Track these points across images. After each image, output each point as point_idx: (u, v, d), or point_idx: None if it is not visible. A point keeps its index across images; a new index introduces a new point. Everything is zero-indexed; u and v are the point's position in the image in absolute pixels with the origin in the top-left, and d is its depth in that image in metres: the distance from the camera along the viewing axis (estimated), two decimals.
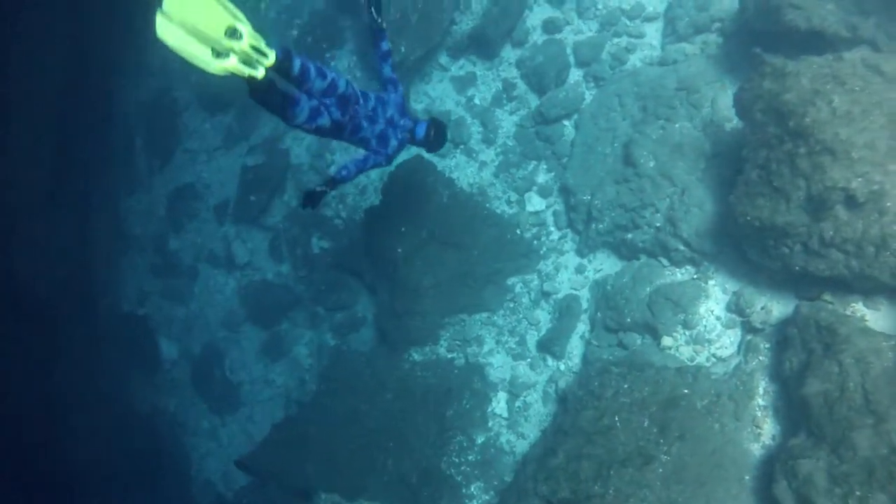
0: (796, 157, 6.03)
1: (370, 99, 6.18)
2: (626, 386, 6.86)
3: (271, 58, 5.09)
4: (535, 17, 9.48)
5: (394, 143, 6.36)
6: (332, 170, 6.26)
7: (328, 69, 5.77)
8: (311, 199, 6.04)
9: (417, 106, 9.86)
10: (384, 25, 6.26)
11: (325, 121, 5.80)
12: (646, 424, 6.55)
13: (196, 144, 11.61)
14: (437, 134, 6.77)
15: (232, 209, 10.88)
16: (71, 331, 10.71)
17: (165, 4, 4.72)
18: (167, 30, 4.76)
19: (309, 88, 5.65)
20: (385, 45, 6.32)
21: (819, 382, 5.81)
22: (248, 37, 4.93)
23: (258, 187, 10.55)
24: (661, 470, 6.26)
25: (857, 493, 5.22)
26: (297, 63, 5.45)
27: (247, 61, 4.94)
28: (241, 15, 4.96)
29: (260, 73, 5.00)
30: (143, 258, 11.58)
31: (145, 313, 11.33)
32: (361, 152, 6.32)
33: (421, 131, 6.61)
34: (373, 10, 6.12)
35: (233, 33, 4.86)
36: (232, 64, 4.88)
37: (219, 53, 4.83)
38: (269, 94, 5.46)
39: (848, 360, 5.71)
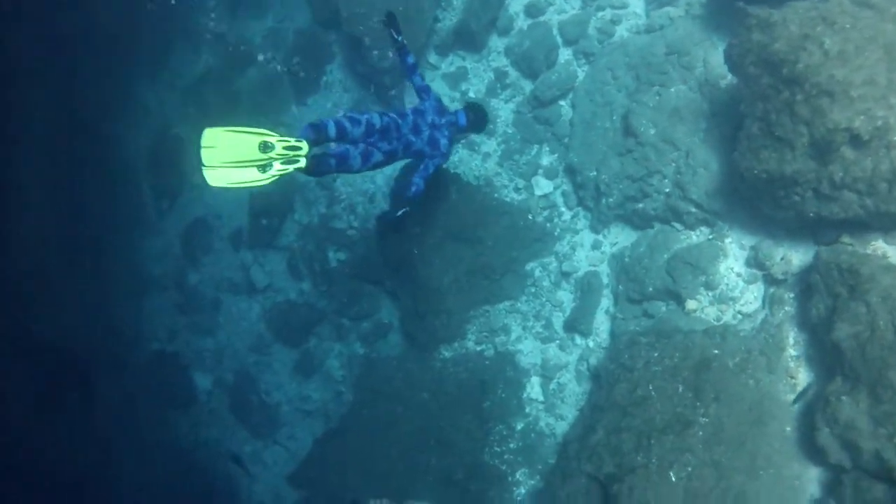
0: (794, 104, 6.01)
1: (407, 116, 6.94)
2: (655, 354, 6.88)
3: (304, 147, 5.89)
4: (517, 2, 9.51)
5: (444, 141, 7.08)
6: (411, 191, 6.85)
7: (359, 114, 6.55)
8: (398, 224, 6.96)
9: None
10: (405, 42, 7.05)
11: (378, 157, 6.63)
12: (680, 390, 6.57)
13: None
14: (478, 114, 7.51)
15: (245, 236, 10.94)
16: (105, 384, 10.89)
17: (204, 159, 5.66)
18: (215, 176, 5.72)
19: (352, 139, 6.42)
20: (410, 59, 7.09)
21: (848, 325, 5.81)
22: (279, 143, 5.75)
23: (268, 211, 10.60)
24: (700, 433, 6.28)
25: None
26: (330, 129, 6.24)
27: (288, 160, 5.78)
28: (263, 129, 5.82)
29: (302, 163, 5.87)
30: (165, 297, 11.65)
31: (175, 350, 11.41)
32: (421, 165, 7.04)
33: (462, 119, 7.36)
34: (392, 31, 7.01)
35: (265, 147, 5.70)
36: (277, 169, 5.74)
37: (263, 167, 5.69)
38: (321, 167, 6.26)
39: (875, 300, 5.70)
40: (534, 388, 8.31)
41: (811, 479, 6.03)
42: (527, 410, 8.24)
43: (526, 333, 8.57)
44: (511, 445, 8.07)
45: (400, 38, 7.04)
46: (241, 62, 11.83)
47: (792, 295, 6.74)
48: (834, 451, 5.69)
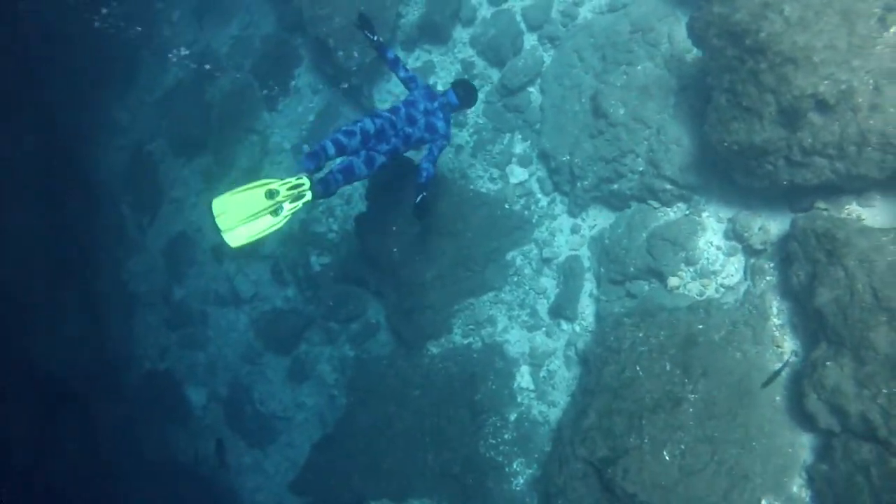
0: (759, 73, 5.99)
1: (400, 110, 7.05)
2: (641, 335, 6.86)
3: (306, 181, 6.15)
4: None
5: (440, 124, 7.20)
6: (422, 176, 6.96)
7: (352, 125, 6.72)
8: (424, 208, 6.97)
9: (383, 105, 9.87)
10: (381, 40, 7.26)
11: (380, 159, 6.83)
12: (668, 368, 6.56)
13: (180, 192, 11.68)
14: (466, 89, 7.54)
15: (228, 247, 10.85)
16: (102, 408, 10.90)
17: (221, 227, 5.93)
18: (236, 237, 6.01)
19: (352, 150, 6.63)
20: (391, 55, 7.25)
21: (828, 290, 5.82)
22: (282, 186, 6.03)
23: None
24: (691, 410, 6.27)
25: (885, 390, 5.25)
26: (329, 149, 6.47)
27: (295, 197, 6.07)
28: (264, 179, 6.08)
29: (309, 196, 6.16)
30: (153, 314, 11.65)
31: (167, 368, 11.40)
32: (425, 150, 7.19)
33: (453, 98, 7.41)
34: (366, 33, 7.21)
35: (271, 194, 5.97)
36: (288, 209, 6.06)
37: (275, 211, 6.02)
38: (330, 187, 6.52)
39: (852, 263, 5.70)
40: (524, 377, 8.29)
41: (803, 445, 6.04)
42: (519, 400, 8.22)
43: (512, 323, 8.55)
44: (506, 436, 8.05)
45: (375, 38, 7.23)
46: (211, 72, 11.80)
47: (772, 264, 6.74)
48: (823, 417, 5.69)
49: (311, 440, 9.96)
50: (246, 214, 6.01)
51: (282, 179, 6.12)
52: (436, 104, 7.22)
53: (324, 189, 6.45)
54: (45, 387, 10.27)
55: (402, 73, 7.30)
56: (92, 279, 11.53)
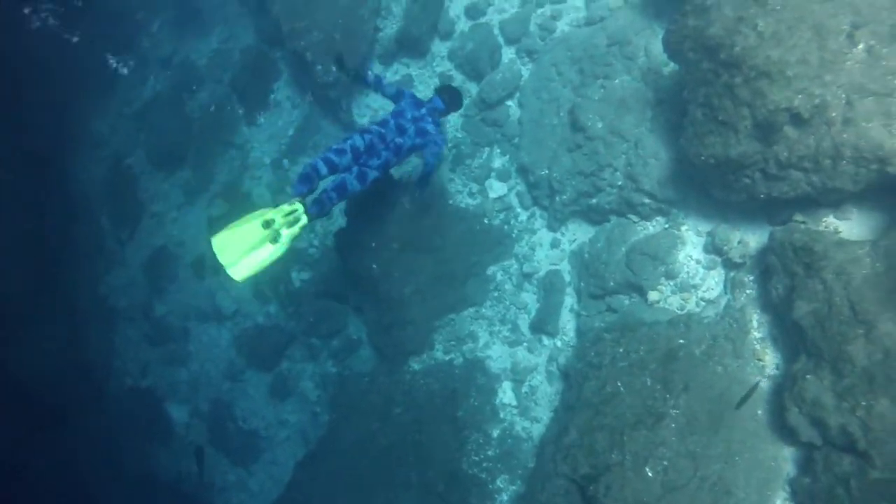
0: (734, 87, 6.02)
1: (388, 122, 7.12)
2: (621, 350, 6.85)
3: (299, 206, 6.28)
4: (457, 5, 9.48)
5: (430, 128, 7.25)
6: (427, 168, 7.28)
7: (342, 142, 6.82)
8: (423, 199, 7.80)
9: (362, 119, 9.86)
10: (356, 72, 7.43)
11: (373, 174, 6.89)
12: (649, 383, 6.55)
13: (160, 206, 11.60)
14: (451, 94, 7.62)
15: (209, 262, 10.81)
16: (82, 422, 10.81)
17: (223, 262, 6.16)
18: (239, 271, 6.20)
19: (344, 167, 6.72)
20: (370, 76, 7.36)
21: (806, 303, 5.84)
22: (276, 214, 6.17)
23: None
24: (673, 425, 6.26)
25: (863, 403, 5.28)
26: (321, 168, 6.58)
27: (291, 222, 6.20)
28: (259, 211, 6.28)
29: (304, 220, 6.30)
30: (134, 330, 11.54)
31: (149, 384, 11.30)
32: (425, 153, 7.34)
33: (439, 103, 7.47)
34: (344, 74, 7.36)
35: (267, 224, 6.09)
36: (287, 235, 6.20)
37: (274, 239, 6.15)
38: (325, 206, 6.62)
39: (829, 276, 5.73)
40: (506, 393, 8.24)
41: (786, 458, 6.03)
42: (501, 416, 8.17)
43: (493, 338, 8.51)
44: (489, 452, 8.01)
45: (351, 73, 7.39)
46: (191, 84, 11.75)
47: (752, 277, 6.74)
48: (804, 430, 5.71)
49: (295, 457, 9.85)
50: (246, 247, 6.17)
51: (276, 207, 6.27)
52: (423, 110, 7.29)
53: (319, 209, 6.55)
54: (22, 399, 10.17)
55: (387, 91, 7.38)
56: (71, 292, 11.43)
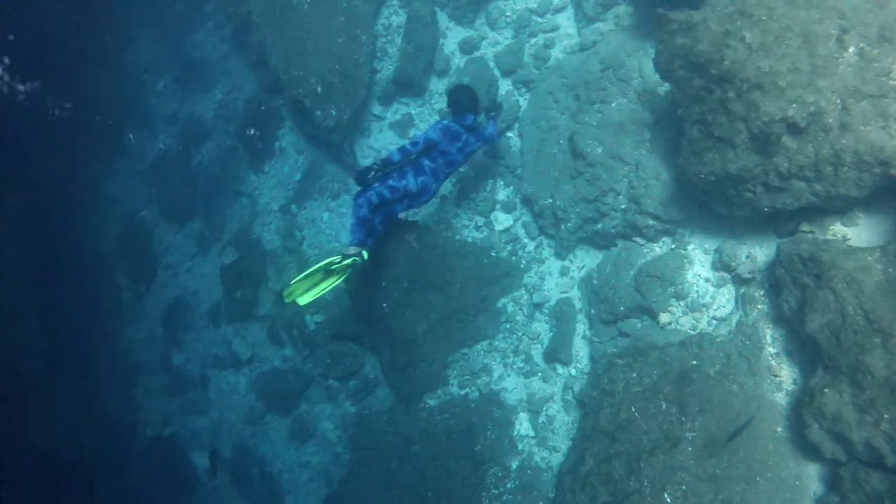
0: (728, 102, 5.98)
1: (437, 160, 7.48)
2: (634, 375, 6.74)
3: (361, 252, 7.24)
4: (451, 42, 9.57)
5: (474, 141, 7.69)
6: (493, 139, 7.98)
7: (396, 180, 7.28)
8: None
9: (365, 161, 9.90)
10: (383, 164, 7.35)
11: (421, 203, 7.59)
12: (664, 407, 6.42)
13: (174, 258, 11.73)
14: (464, 95, 7.74)
15: (224, 310, 10.92)
16: (106, 481, 10.83)
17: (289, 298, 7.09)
18: (304, 298, 7.15)
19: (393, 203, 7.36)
20: (396, 157, 7.36)
21: (819, 316, 5.72)
22: (338, 265, 7.15)
23: (241, 283, 10.58)
24: (690, 449, 6.13)
25: (887, 416, 5.14)
26: (373, 199, 7.11)
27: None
28: (322, 262, 7.17)
29: (364, 255, 7.28)
30: (154, 381, 11.60)
31: (171, 433, 11.33)
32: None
33: (466, 119, 7.61)
34: (370, 176, 7.35)
35: (329, 272, 7.21)
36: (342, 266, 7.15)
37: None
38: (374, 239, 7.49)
39: (840, 286, 5.61)
40: (523, 424, 8.12)
41: (811, 476, 5.86)
42: (519, 448, 8.05)
43: (507, 370, 8.42)
44: (508, 485, 7.87)
45: (377, 169, 7.33)
46: (198, 138, 11.92)
47: (762, 292, 6.63)
48: (827, 446, 5.56)
49: (318, 499, 9.80)
50: (312, 287, 7.19)
51: (340, 260, 7.14)
52: (463, 138, 7.53)
53: (373, 242, 7.42)
54: (45, 466, 10.22)
55: (422, 148, 7.42)
56: (90, 352, 11.54)
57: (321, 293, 7.19)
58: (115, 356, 11.76)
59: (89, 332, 11.63)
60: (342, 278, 7.36)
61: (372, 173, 7.27)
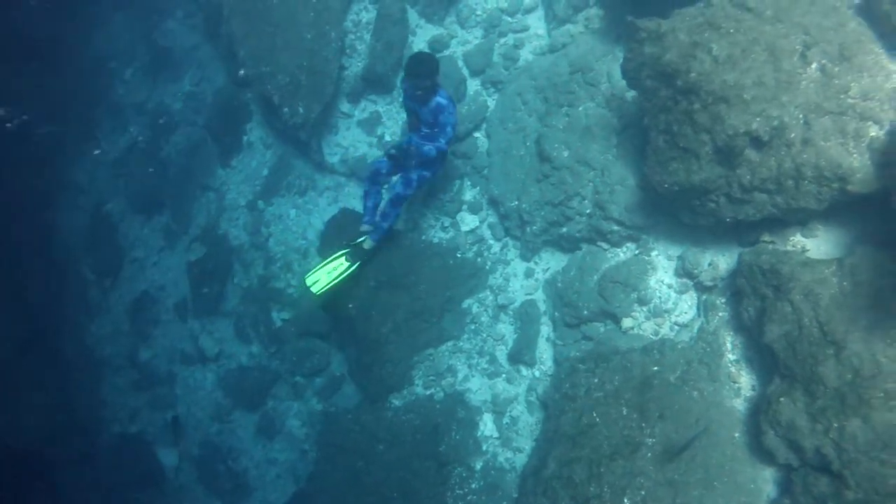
0: (693, 113, 6.04)
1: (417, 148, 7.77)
2: (596, 380, 6.81)
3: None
4: (420, 40, 9.54)
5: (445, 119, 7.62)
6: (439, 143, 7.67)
7: (397, 195, 7.87)
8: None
9: (333, 158, 9.91)
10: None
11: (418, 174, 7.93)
12: (625, 413, 6.50)
13: (140, 252, 11.58)
14: (414, 63, 7.46)
15: (190, 305, 10.85)
16: (70, 477, 10.74)
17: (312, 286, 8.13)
18: (319, 286, 8.09)
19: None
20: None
21: (777, 326, 5.84)
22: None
23: (208, 279, 10.50)
24: (650, 454, 6.21)
25: (835, 424, 5.28)
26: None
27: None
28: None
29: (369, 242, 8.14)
30: (121, 377, 11.46)
31: (138, 430, 11.24)
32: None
33: (423, 97, 7.54)
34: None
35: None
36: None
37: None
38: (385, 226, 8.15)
39: (797, 298, 5.73)
40: (487, 425, 8.17)
41: (766, 480, 5.98)
42: (484, 448, 8.11)
43: (472, 371, 8.46)
44: (473, 486, 7.93)
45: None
46: (166, 129, 11.77)
47: (724, 300, 6.73)
48: (781, 452, 5.69)
49: (286, 495, 9.80)
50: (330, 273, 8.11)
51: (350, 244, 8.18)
52: (432, 119, 7.62)
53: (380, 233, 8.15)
54: (11, 458, 10.12)
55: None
56: (57, 346, 11.40)
57: (336, 279, 8.04)
58: (81, 350, 11.61)
59: (54, 325, 11.47)
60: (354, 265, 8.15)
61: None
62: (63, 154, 12.26)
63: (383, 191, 8.45)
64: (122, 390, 11.48)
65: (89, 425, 11.37)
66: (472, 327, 8.57)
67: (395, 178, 8.23)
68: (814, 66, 5.74)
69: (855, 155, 5.59)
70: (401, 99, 8.00)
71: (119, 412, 11.45)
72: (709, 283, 6.81)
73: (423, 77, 7.36)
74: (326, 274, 8.14)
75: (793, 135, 5.70)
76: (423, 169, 7.87)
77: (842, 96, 5.63)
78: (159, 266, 11.39)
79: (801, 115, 5.68)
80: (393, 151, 7.71)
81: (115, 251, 11.70)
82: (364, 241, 8.15)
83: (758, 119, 5.72)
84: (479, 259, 8.69)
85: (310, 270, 8.28)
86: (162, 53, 12.32)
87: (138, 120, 12.22)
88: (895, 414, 5.07)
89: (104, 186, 12.21)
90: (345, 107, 9.89)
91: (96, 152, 12.20)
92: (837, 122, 5.63)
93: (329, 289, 8.05)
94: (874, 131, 5.58)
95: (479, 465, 8.07)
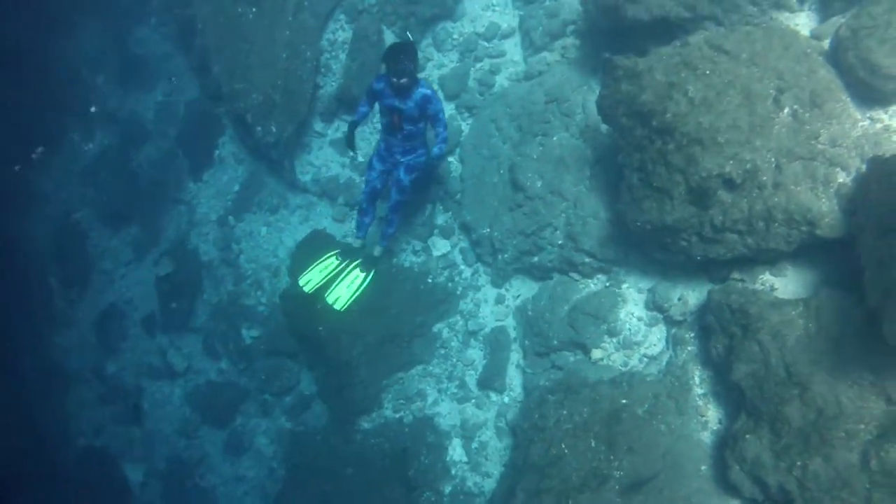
0: (668, 153, 6.12)
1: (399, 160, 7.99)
2: (565, 412, 6.85)
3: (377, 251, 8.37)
4: None
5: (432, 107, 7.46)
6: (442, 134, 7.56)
7: (395, 205, 8.13)
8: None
9: (305, 177, 9.87)
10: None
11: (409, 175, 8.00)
12: (593, 445, 6.55)
13: (109, 263, 11.39)
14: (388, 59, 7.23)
15: (159, 320, 10.72)
16: (34, 491, 10.54)
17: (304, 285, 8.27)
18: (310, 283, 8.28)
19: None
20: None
21: (745, 365, 5.93)
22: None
23: (177, 295, 10.39)
24: (617, 487, 6.27)
25: (799, 462, 5.36)
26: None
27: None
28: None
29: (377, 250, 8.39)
30: (87, 390, 11.28)
31: (103, 444, 11.09)
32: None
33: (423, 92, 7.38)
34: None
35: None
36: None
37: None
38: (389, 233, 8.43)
39: (765, 338, 5.83)
40: (456, 450, 8.20)
41: None
42: (452, 472, 8.13)
43: (442, 396, 8.49)
44: None
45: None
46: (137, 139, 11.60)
47: (692, 334, 6.83)
48: (746, 487, 5.78)
49: None
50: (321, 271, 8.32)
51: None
52: (418, 113, 7.48)
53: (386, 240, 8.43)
54: None
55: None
56: (20, 357, 11.19)
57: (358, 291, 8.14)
58: (45, 362, 11.41)
59: (17, 335, 11.27)
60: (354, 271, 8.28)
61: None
62: (29, 160, 12.03)
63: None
64: (87, 404, 11.31)
65: (53, 438, 11.18)
66: (443, 352, 8.60)
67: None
68: (786, 110, 5.85)
69: (824, 200, 5.70)
70: (373, 107, 7.70)
71: (84, 426, 11.28)
72: (678, 318, 6.90)
73: (405, 61, 7.05)
74: (318, 272, 8.30)
75: (765, 178, 5.80)
76: (414, 171, 7.93)
77: (812, 142, 5.75)
78: (128, 278, 11.22)
79: (773, 159, 5.79)
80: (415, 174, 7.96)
81: (83, 262, 11.50)
82: (374, 249, 8.34)
83: (731, 162, 5.80)
84: (450, 284, 8.72)
85: (301, 274, 8.35)
86: (134, 61, 12.09)
87: (109, 129, 12.03)
88: (855, 454, 5.17)
89: (72, 195, 11.99)
90: (318, 126, 9.85)
91: (92, 109, 11.95)
92: (808, 168, 5.75)
93: (353, 301, 8.09)
94: (842, 177, 5.71)
95: (447, 490, 8.09)
